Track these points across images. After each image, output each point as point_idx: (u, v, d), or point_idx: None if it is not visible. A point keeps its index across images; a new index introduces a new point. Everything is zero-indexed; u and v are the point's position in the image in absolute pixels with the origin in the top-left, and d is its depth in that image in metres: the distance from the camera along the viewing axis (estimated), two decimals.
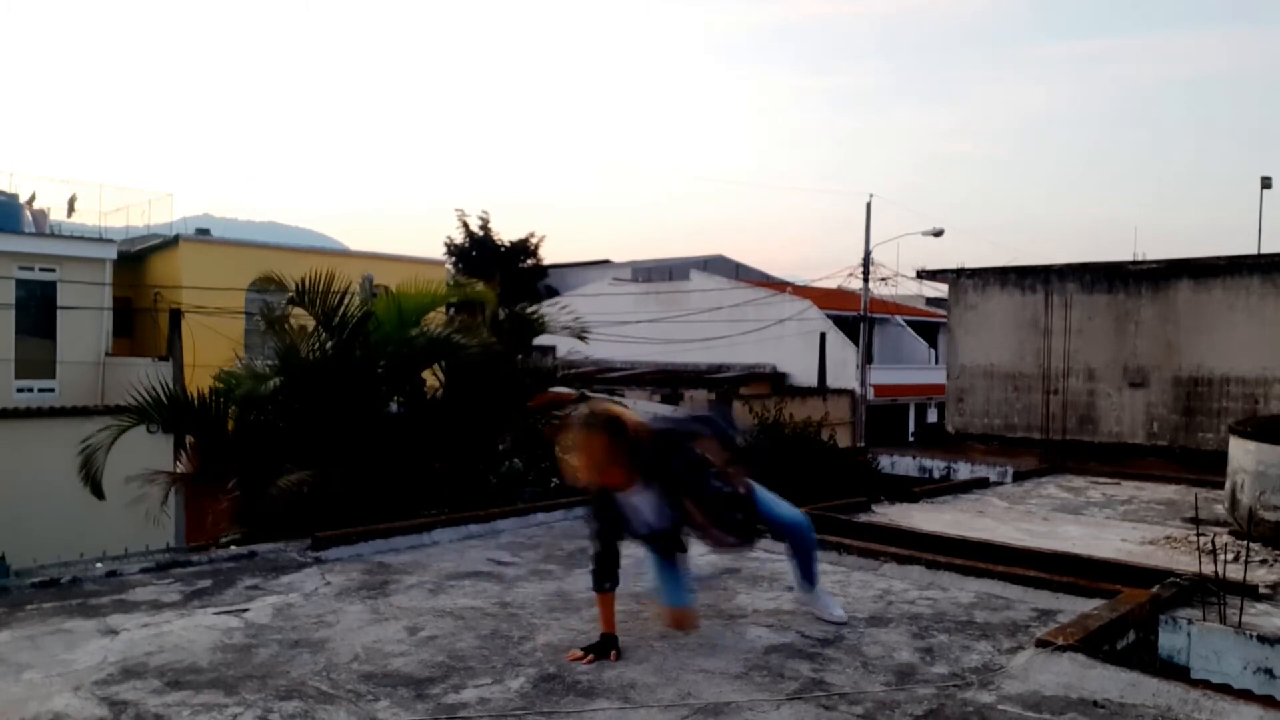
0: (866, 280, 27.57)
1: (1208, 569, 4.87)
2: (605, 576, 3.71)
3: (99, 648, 3.66)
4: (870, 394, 27.36)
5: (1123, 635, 4.05)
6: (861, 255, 27.54)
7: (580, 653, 3.62)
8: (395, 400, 8.06)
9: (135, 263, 21.97)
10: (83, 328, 19.11)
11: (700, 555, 5.44)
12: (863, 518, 7.53)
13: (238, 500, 6.77)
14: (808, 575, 4.21)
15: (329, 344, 7.59)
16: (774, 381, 29.63)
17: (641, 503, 3.74)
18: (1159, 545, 6.85)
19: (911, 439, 27.28)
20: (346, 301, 7.75)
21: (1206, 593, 4.78)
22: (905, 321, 35.80)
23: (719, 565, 5.19)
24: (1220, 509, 7.92)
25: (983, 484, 10.08)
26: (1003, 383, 16.69)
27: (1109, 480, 10.39)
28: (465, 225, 41.15)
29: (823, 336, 29.04)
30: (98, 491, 6.96)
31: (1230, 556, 5.63)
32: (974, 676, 3.46)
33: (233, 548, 5.69)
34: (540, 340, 9.46)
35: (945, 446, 16.97)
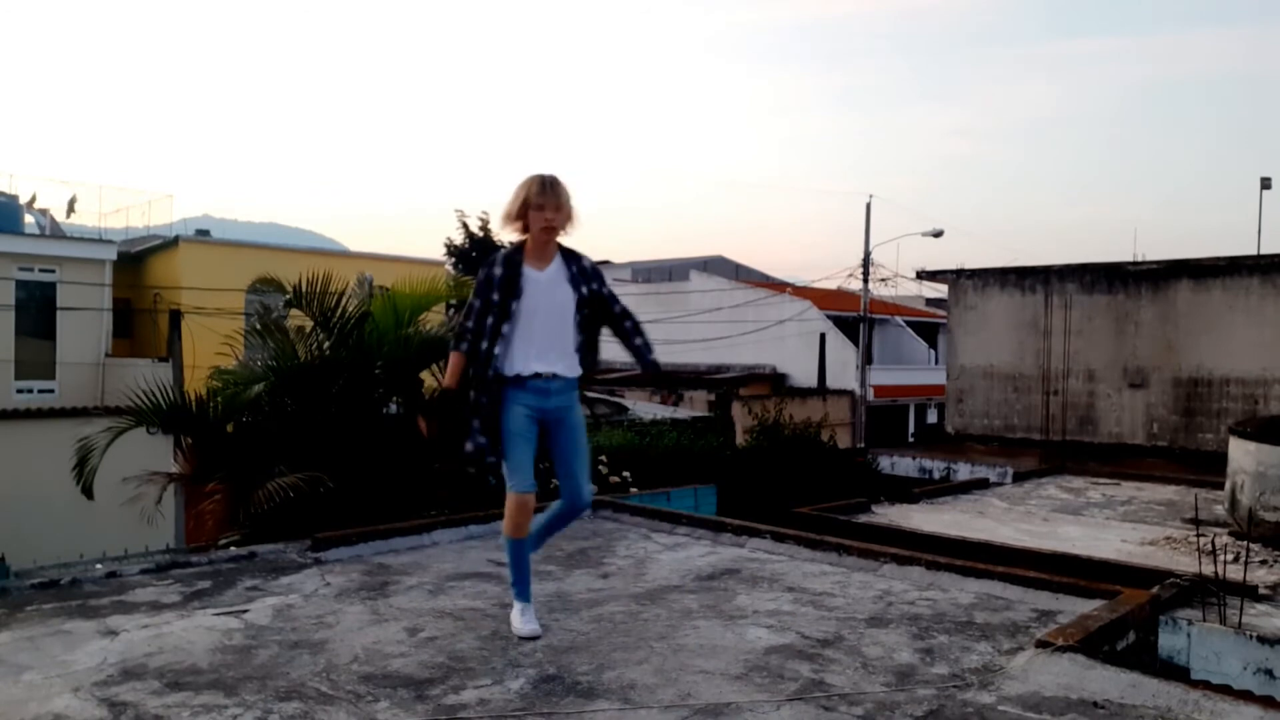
0: (866, 281, 27.58)
1: (1208, 569, 4.88)
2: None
3: (99, 649, 3.65)
4: (870, 394, 27.37)
5: (1123, 636, 4.05)
6: (861, 256, 27.55)
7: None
8: (395, 400, 8.05)
9: (135, 263, 21.97)
10: (82, 328, 19.10)
11: (700, 556, 5.44)
12: (863, 518, 7.55)
13: (231, 502, 6.76)
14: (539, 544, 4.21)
15: (326, 345, 7.58)
16: (774, 382, 29.65)
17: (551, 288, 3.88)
18: (1159, 546, 6.86)
19: (911, 440, 27.30)
20: (344, 302, 7.74)
21: (1206, 593, 4.78)
22: (905, 322, 35.82)
23: (718, 566, 5.19)
24: (1220, 509, 7.92)
25: (982, 485, 10.10)
26: (1002, 383, 16.70)
27: (1109, 481, 10.40)
28: (465, 226, 41.16)
29: (823, 337, 29.05)
30: (88, 492, 6.96)
31: (1230, 557, 5.63)
32: (974, 677, 3.45)
33: (232, 549, 5.68)
34: None
35: (945, 447, 16.98)
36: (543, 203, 3.81)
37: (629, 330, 4.06)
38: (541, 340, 3.86)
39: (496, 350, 3.84)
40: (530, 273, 3.87)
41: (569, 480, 4.06)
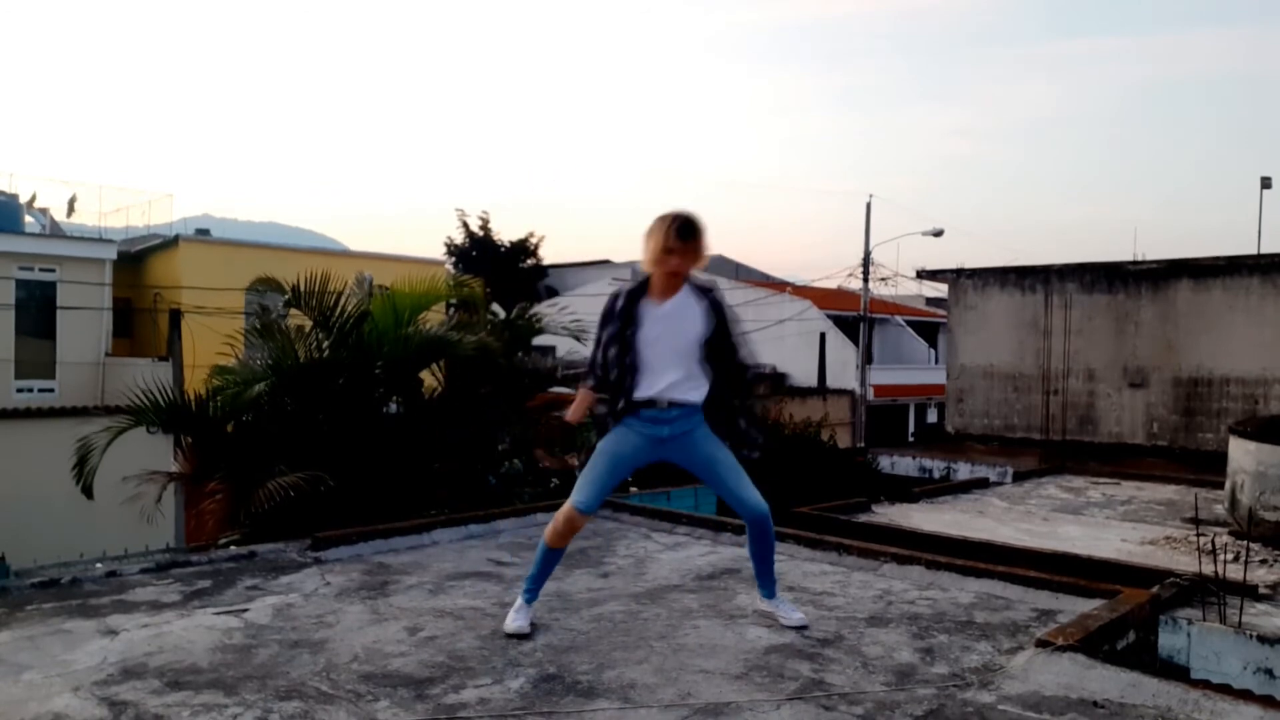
0: (866, 280, 27.59)
1: (1208, 569, 4.88)
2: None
3: (99, 648, 3.65)
4: (870, 394, 27.38)
5: (1123, 635, 4.06)
6: (861, 255, 27.56)
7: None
8: (394, 400, 8.05)
9: (135, 263, 21.97)
10: (83, 328, 19.10)
11: (700, 555, 5.45)
12: (863, 518, 7.54)
13: (231, 501, 6.76)
14: (768, 575, 4.12)
15: (325, 344, 7.58)
16: (774, 382, 29.63)
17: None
18: (1159, 545, 6.86)
19: (911, 439, 27.31)
20: (343, 301, 7.74)
21: (1206, 593, 4.78)
22: (905, 321, 35.82)
23: (718, 565, 5.20)
24: (1220, 509, 7.92)
25: (982, 484, 10.09)
26: (1002, 383, 16.70)
27: (1109, 480, 10.40)
28: (465, 225, 41.18)
29: (823, 337, 29.05)
30: (88, 492, 6.96)
31: (1230, 556, 5.63)
32: (974, 677, 3.46)
33: (232, 548, 5.68)
34: (540, 340, 9.46)
35: (945, 446, 16.98)
36: (675, 247, 3.77)
37: (737, 386, 4.03)
38: (658, 369, 3.84)
39: (616, 378, 3.88)
40: (649, 305, 3.87)
41: (732, 498, 3.97)
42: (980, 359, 16.95)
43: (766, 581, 4.13)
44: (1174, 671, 4.13)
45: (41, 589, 4.47)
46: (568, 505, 3.88)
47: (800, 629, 3.98)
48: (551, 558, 4.00)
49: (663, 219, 3.80)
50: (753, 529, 4.01)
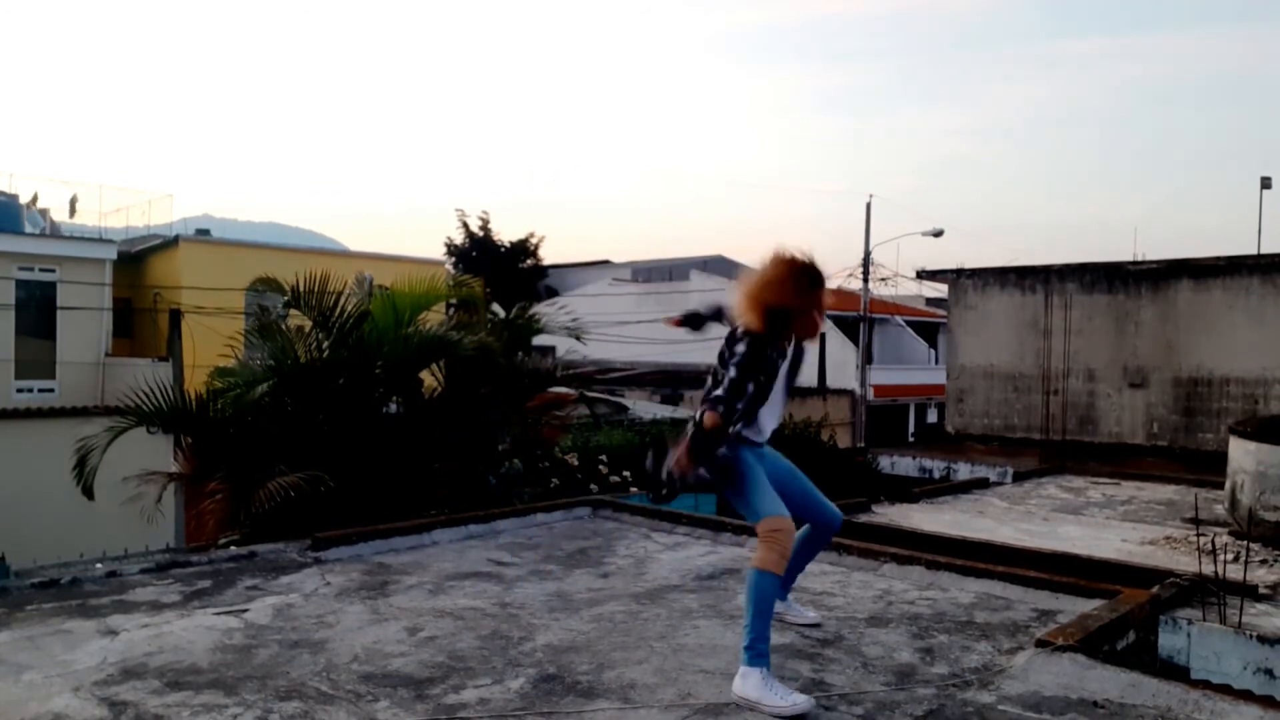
0: (866, 280, 27.57)
1: (1208, 569, 4.88)
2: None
3: (99, 648, 3.66)
4: (870, 394, 27.36)
5: (1123, 635, 4.06)
6: (861, 255, 27.56)
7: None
8: (394, 400, 8.05)
9: (135, 263, 21.97)
10: (83, 328, 19.09)
11: (700, 556, 5.45)
12: (863, 518, 7.53)
13: (231, 501, 6.76)
14: (794, 580, 4.13)
15: (325, 344, 7.58)
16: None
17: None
18: (1159, 545, 6.85)
19: (911, 439, 27.30)
20: (342, 301, 7.74)
21: (1206, 593, 4.78)
22: (905, 322, 35.81)
23: (718, 566, 5.20)
24: (1220, 509, 7.92)
25: (983, 484, 10.09)
26: (1003, 383, 16.69)
27: (1109, 480, 10.39)
28: (465, 226, 41.20)
29: (822, 336, 28.95)
30: (88, 492, 6.95)
31: (1230, 557, 5.63)
32: (974, 677, 3.46)
33: (232, 548, 5.68)
34: (540, 340, 9.46)
35: (945, 447, 16.97)
36: (822, 301, 3.71)
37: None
38: (774, 410, 3.85)
39: (743, 421, 3.69)
40: (775, 356, 3.79)
41: (817, 503, 3.93)
42: (980, 359, 16.95)
43: (788, 585, 4.13)
44: (1174, 672, 4.13)
45: (41, 589, 4.47)
46: (780, 517, 3.50)
47: (814, 626, 4.02)
48: (776, 589, 3.52)
49: (803, 267, 3.60)
50: (824, 535, 3.98)
